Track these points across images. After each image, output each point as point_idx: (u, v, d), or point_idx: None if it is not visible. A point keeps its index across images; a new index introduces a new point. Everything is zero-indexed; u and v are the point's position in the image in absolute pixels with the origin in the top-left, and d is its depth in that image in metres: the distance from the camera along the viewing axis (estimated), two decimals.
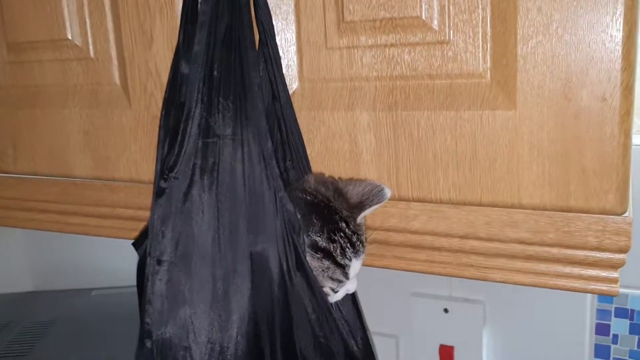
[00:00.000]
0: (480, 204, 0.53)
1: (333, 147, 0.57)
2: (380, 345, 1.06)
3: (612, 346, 0.88)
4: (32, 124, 0.75)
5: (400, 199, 0.56)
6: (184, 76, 0.54)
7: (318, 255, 0.54)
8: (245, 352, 0.51)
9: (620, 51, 0.45)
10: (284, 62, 0.58)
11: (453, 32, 0.51)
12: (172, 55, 0.60)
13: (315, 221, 0.55)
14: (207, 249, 0.51)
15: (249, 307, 0.51)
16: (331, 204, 0.56)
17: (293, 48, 0.58)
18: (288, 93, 0.57)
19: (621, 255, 0.50)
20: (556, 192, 0.49)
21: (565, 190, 0.49)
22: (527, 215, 0.52)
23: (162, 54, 0.63)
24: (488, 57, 0.50)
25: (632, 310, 0.86)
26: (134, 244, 0.60)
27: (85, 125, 0.70)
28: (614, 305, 0.87)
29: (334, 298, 0.57)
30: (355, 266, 0.56)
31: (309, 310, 0.53)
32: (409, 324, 1.01)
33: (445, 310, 0.97)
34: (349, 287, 0.57)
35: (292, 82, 0.58)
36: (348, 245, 0.55)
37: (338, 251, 0.55)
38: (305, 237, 0.54)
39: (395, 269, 0.60)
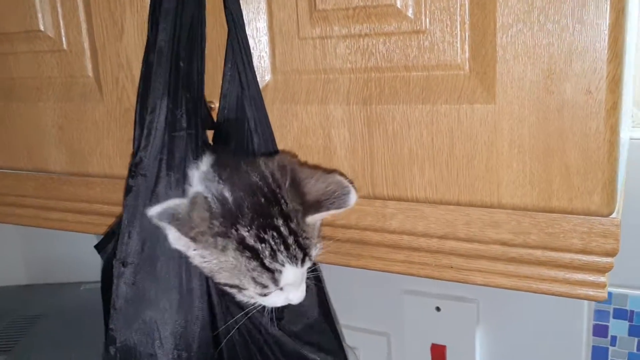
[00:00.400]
0: (458, 204, 0.50)
1: (306, 142, 0.54)
2: (371, 344, 1.04)
3: (610, 348, 0.85)
4: (8, 117, 0.72)
5: (376, 197, 0.53)
6: (154, 68, 0.51)
7: (246, 254, 0.47)
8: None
9: (606, 41, 0.42)
10: (256, 53, 0.55)
11: (430, 21, 0.47)
12: (143, 46, 0.58)
13: (246, 211, 0.47)
14: (174, 249, 0.49)
15: (205, 318, 0.49)
16: (276, 192, 0.49)
17: (265, 38, 0.55)
18: (258, 85, 0.54)
19: (608, 259, 0.47)
20: (538, 192, 0.46)
21: (548, 189, 0.46)
22: (508, 216, 0.50)
23: (133, 45, 0.60)
24: (466, 46, 0.47)
25: (632, 312, 0.83)
26: (96, 247, 0.58)
27: (59, 119, 0.68)
28: (612, 306, 0.84)
29: (266, 301, 0.51)
30: (290, 273, 0.49)
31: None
32: (400, 322, 0.98)
33: (438, 309, 0.94)
34: (290, 296, 0.51)
35: (265, 74, 0.56)
36: (281, 247, 0.48)
37: (267, 252, 0.48)
38: (232, 229, 0.47)
39: (373, 270, 0.57)
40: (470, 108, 0.47)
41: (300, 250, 0.49)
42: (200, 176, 0.49)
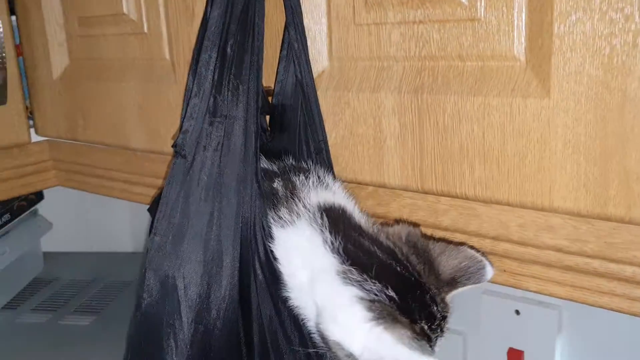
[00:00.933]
0: (508, 204, 0.47)
1: (358, 131, 0.53)
2: (447, 341, 1.01)
3: None
4: (98, 96, 0.77)
5: (425, 192, 0.51)
6: (204, 53, 0.52)
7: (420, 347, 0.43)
8: (227, 342, 0.50)
9: None
10: (313, 39, 0.54)
11: (485, 8, 0.44)
12: None
13: (413, 305, 0.45)
14: (202, 230, 0.50)
15: (234, 300, 0.50)
16: (422, 280, 0.47)
17: (323, 25, 0.54)
18: (312, 72, 0.54)
19: None
20: (593, 197, 0.42)
21: (604, 194, 0.42)
22: (564, 221, 0.46)
23: None
24: (523, 36, 0.43)
25: None
26: (149, 210, 0.60)
27: (139, 99, 0.72)
28: None
29: None
30: (434, 355, 0.46)
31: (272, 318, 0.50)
32: (477, 323, 0.94)
33: (517, 312, 0.89)
34: None
35: (322, 61, 0.55)
36: (439, 332, 0.46)
37: (433, 341, 0.45)
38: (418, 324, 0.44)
39: None
40: (523, 102, 0.43)
41: (443, 331, 0.47)
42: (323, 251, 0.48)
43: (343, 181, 0.55)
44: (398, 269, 0.47)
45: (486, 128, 0.46)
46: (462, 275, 0.48)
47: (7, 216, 1.05)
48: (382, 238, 0.50)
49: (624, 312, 0.46)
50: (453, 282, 0.48)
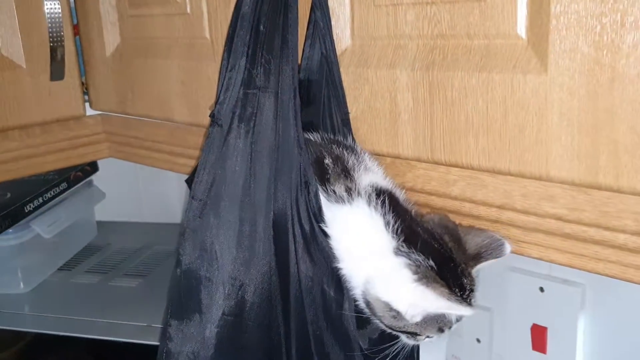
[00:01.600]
0: (509, 173, 0.50)
1: (375, 105, 0.57)
2: (474, 317, 1.04)
3: None
4: (145, 71, 0.84)
5: (435, 162, 0.55)
6: (237, 31, 0.57)
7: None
8: (261, 297, 0.55)
9: None
10: (338, 19, 0.59)
11: None
12: None
13: (447, 274, 0.53)
14: (237, 193, 0.55)
15: (269, 257, 0.55)
16: (453, 255, 0.55)
17: (347, 5, 0.58)
18: (335, 50, 0.58)
19: None
20: (585, 167, 0.45)
21: (595, 165, 0.45)
22: (564, 190, 0.49)
23: None
24: (524, 16, 0.46)
25: None
26: (186, 181, 0.66)
27: (182, 75, 0.77)
28: None
29: (417, 342, 0.57)
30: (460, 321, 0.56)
31: (324, 288, 0.55)
32: (504, 299, 0.97)
33: (541, 289, 0.92)
34: (438, 339, 0.57)
35: (346, 39, 0.59)
36: (468, 302, 0.53)
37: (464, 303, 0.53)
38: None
39: None
40: (523, 78, 0.47)
41: (472, 301, 0.54)
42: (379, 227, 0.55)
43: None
44: (436, 245, 0.54)
45: (489, 102, 0.49)
46: (485, 251, 0.54)
47: (64, 185, 1.14)
48: (421, 219, 0.57)
49: (617, 278, 0.49)
50: (478, 257, 0.54)
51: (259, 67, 0.55)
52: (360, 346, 0.58)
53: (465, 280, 0.54)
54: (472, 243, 0.55)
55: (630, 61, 0.41)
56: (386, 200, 0.55)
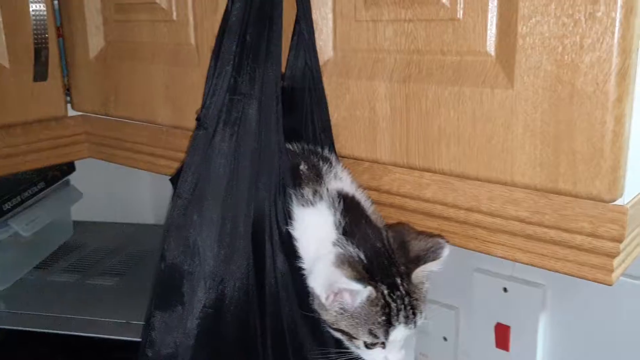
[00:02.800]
0: (477, 178, 0.54)
1: (355, 113, 0.61)
2: (441, 316, 1.09)
3: None
4: (129, 75, 0.86)
5: (410, 167, 0.59)
6: (222, 38, 0.60)
7: (379, 308, 0.55)
8: (240, 291, 0.58)
9: (615, 36, 0.44)
10: (321, 32, 0.62)
11: (463, 10, 0.52)
12: None
13: (377, 270, 0.56)
14: (220, 192, 0.58)
15: (248, 254, 0.58)
16: (392, 255, 0.57)
17: (330, 20, 0.62)
18: (318, 60, 0.62)
19: (615, 244, 0.50)
20: (546, 173, 0.50)
21: (555, 172, 0.49)
22: (527, 195, 0.53)
23: None
24: (494, 35, 0.51)
25: None
26: (171, 180, 0.69)
27: (166, 79, 0.80)
28: None
29: (366, 355, 0.58)
30: (400, 332, 0.56)
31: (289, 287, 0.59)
32: (469, 299, 1.02)
33: (505, 290, 0.97)
34: (390, 356, 0.58)
35: (328, 51, 0.63)
36: (401, 306, 0.56)
37: (395, 309, 0.56)
38: (378, 283, 0.55)
39: None
40: (491, 92, 0.51)
41: (411, 311, 0.57)
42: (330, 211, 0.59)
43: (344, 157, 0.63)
44: (378, 244, 0.57)
45: (460, 113, 0.53)
46: (425, 254, 0.57)
47: (42, 184, 1.15)
48: (377, 222, 0.60)
49: (574, 276, 0.53)
50: (417, 260, 0.58)
51: (244, 75, 0.59)
52: (333, 340, 0.62)
53: (399, 280, 0.56)
54: (416, 247, 0.58)
55: (588, 79, 0.46)
56: (342, 202, 0.59)
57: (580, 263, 0.53)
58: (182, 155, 0.86)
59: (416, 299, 0.58)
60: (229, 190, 0.58)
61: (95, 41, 0.90)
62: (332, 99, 0.62)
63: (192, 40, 0.76)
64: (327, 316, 0.58)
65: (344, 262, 0.55)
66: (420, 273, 0.58)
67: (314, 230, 0.59)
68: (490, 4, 0.51)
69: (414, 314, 0.57)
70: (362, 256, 0.56)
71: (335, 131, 0.63)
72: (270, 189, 0.59)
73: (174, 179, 0.66)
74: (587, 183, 0.48)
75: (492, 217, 0.56)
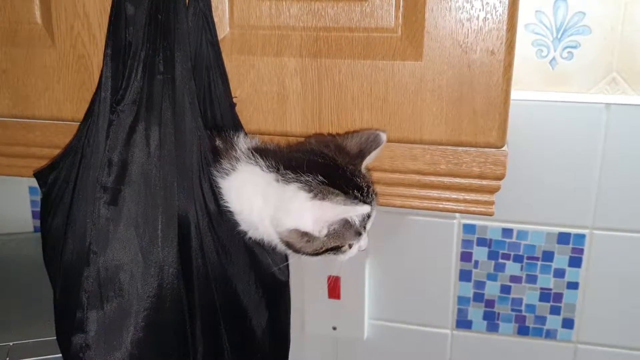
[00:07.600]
0: (388, 141, 0.62)
1: (262, 89, 0.64)
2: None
3: (474, 270, 1.04)
4: None
5: None
6: (130, 17, 0.57)
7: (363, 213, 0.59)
8: (173, 276, 0.58)
9: (505, 15, 0.56)
10: (216, 9, 0.63)
11: None
12: None
13: (340, 182, 0.58)
14: (152, 177, 0.57)
15: (176, 237, 0.58)
16: (338, 162, 0.60)
17: None
18: (217, 35, 0.62)
19: (497, 182, 0.63)
20: (451, 129, 0.60)
21: (458, 127, 0.60)
22: (424, 150, 0.63)
23: None
24: (400, 14, 0.59)
25: (490, 240, 1.02)
26: (36, 175, 0.63)
27: (3, 63, 0.71)
28: (476, 236, 1.03)
29: (347, 255, 0.62)
30: (371, 219, 0.62)
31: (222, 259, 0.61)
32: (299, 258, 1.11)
33: None
34: (362, 243, 0.62)
35: (225, 28, 0.64)
36: (372, 197, 0.60)
37: (368, 202, 0.60)
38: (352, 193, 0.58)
39: None
40: (402, 64, 0.59)
41: (373, 195, 0.61)
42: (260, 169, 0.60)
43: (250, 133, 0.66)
44: (320, 160, 0.60)
45: (373, 84, 0.61)
46: (365, 146, 0.62)
47: None
48: (298, 147, 0.63)
49: (463, 213, 0.65)
50: (361, 154, 0.62)
51: (160, 54, 0.57)
52: (267, 311, 0.65)
53: (359, 180, 0.60)
54: (352, 144, 0.61)
55: (485, 49, 0.57)
56: (257, 151, 0.61)
57: (467, 202, 0.65)
58: (15, 150, 0.76)
59: (370, 184, 0.62)
60: (155, 175, 0.57)
61: None
62: (234, 76, 0.64)
63: (39, 19, 0.69)
64: (314, 246, 0.59)
65: (321, 191, 0.57)
66: (365, 163, 0.63)
67: (247, 189, 0.60)
68: None
69: (375, 196, 0.62)
70: (322, 178, 0.58)
71: (239, 108, 0.65)
72: (192, 171, 0.59)
73: (38, 173, 0.61)
74: (486, 134, 0.60)
75: (393, 173, 0.65)
